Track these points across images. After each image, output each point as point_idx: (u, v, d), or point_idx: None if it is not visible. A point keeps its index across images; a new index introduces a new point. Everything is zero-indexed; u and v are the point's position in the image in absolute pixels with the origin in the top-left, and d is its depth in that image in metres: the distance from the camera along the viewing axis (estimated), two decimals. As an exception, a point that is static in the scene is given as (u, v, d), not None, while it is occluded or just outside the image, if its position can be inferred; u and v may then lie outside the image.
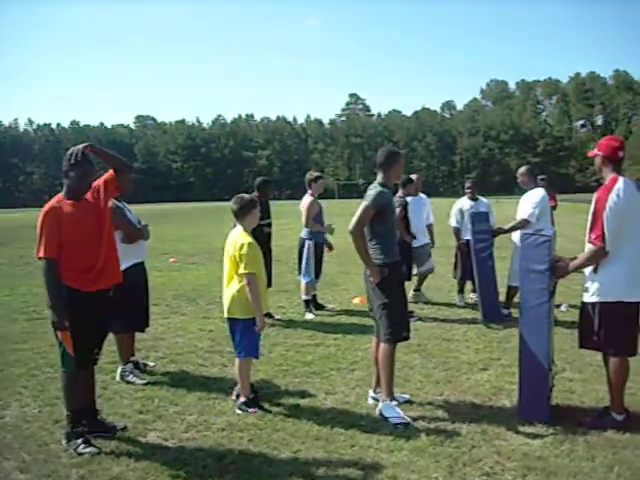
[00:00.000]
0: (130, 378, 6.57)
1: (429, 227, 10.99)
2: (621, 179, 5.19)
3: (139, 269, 6.78)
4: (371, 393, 6.00)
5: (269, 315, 8.96)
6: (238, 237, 5.77)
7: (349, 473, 4.51)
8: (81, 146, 4.93)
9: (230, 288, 5.81)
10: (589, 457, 4.71)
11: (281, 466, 4.62)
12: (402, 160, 5.99)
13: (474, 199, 10.77)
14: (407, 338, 5.88)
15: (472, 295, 10.94)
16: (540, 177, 9.79)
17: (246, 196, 6.07)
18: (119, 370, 6.67)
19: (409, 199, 10.24)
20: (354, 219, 5.62)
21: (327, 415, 5.61)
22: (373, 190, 5.71)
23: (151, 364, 7.12)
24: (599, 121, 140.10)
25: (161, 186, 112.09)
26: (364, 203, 5.63)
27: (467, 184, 11.17)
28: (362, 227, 5.63)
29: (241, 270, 5.65)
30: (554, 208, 11.33)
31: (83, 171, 4.92)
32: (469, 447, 4.92)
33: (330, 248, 10.39)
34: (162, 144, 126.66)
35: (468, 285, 10.94)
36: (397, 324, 5.69)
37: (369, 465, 4.63)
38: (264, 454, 4.83)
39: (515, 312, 9.41)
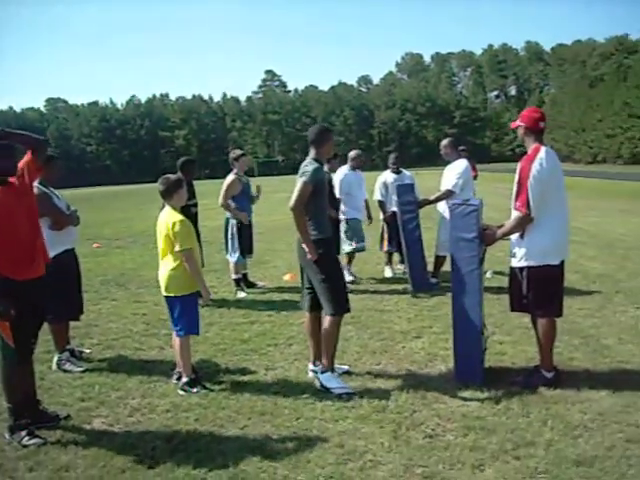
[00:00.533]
0: (67, 366, 6.49)
1: (365, 202, 11.14)
2: (543, 149, 5.42)
3: (70, 256, 6.65)
4: (310, 366, 6.09)
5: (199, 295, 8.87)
6: (169, 217, 5.79)
7: (297, 445, 4.62)
8: None
9: (166, 267, 5.82)
10: (524, 414, 4.96)
11: (230, 443, 4.68)
12: (333, 137, 6.08)
13: (397, 172, 10.97)
14: (349, 310, 5.97)
15: (400, 266, 11.19)
16: (460, 148, 10.03)
17: (172, 176, 6.06)
18: (55, 359, 6.57)
19: (351, 174, 10.50)
20: (294, 196, 5.67)
21: (270, 390, 5.70)
22: (310, 166, 5.73)
23: (87, 351, 7.04)
24: (512, 92, 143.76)
25: (76, 170, 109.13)
26: (302, 180, 5.67)
27: (392, 158, 11.35)
28: (303, 203, 5.68)
29: (177, 248, 5.67)
30: (475, 178, 11.62)
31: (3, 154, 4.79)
32: (410, 412, 5.10)
33: (245, 220, 10.00)
34: (75, 127, 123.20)
35: (395, 257, 11.19)
36: (339, 297, 5.79)
37: (316, 436, 4.75)
38: (211, 432, 4.89)
39: (443, 281, 9.73)
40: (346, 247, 10.61)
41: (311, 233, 5.73)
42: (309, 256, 5.69)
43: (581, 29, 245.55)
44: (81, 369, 6.45)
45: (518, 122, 5.63)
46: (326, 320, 5.81)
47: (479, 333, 5.73)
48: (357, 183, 10.67)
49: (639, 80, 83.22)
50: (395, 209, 10.27)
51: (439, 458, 4.33)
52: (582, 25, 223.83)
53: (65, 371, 6.45)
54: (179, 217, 5.74)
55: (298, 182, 5.72)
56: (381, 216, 11.12)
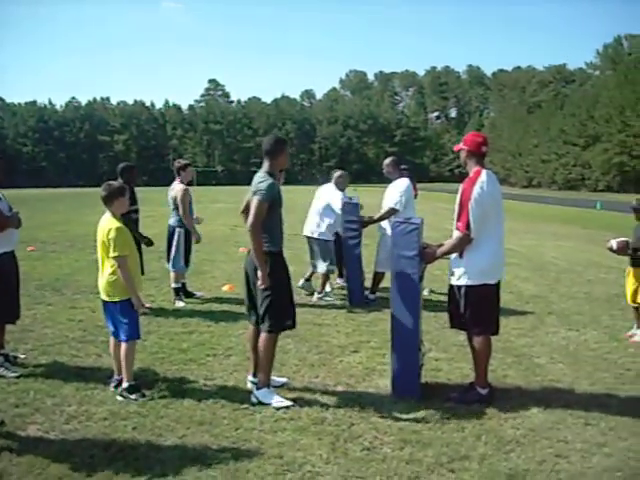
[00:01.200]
0: (1, 371, 6.34)
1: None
2: (484, 172, 5.60)
3: (9, 258, 6.54)
4: (250, 377, 6.10)
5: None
6: (106, 223, 5.79)
7: (235, 454, 4.63)
8: None
9: (105, 273, 5.81)
10: (459, 428, 5.10)
11: (168, 451, 4.67)
12: (288, 148, 6.01)
13: (342, 189, 10.99)
14: (292, 327, 5.96)
15: (338, 280, 11.32)
16: (402, 167, 10.19)
17: (115, 183, 6.06)
18: None
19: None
20: (252, 216, 5.51)
21: (208, 400, 5.69)
22: (264, 183, 5.60)
23: (22, 356, 6.90)
24: (453, 113, 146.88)
25: (11, 170, 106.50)
26: (257, 198, 5.53)
27: (339, 173, 11.07)
28: (260, 222, 5.54)
29: (111, 254, 5.66)
30: (415, 197, 11.78)
31: None
32: (348, 424, 5.18)
33: (197, 240, 10.14)
34: (11, 126, 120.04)
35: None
36: (281, 314, 5.76)
37: (254, 447, 4.78)
38: (150, 441, 4.86)
39: (380, 297, 9.88)
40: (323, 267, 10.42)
41: (263, 245, 5.64)
42: (260, 282, 5.60)
43: (522, 56, 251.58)
44: (16, 374, 6.32)
45: (461, 145, 5.79)
46: (262, 336, 5.78)
47: (417, 349, 5.85)
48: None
49: (575, 108, 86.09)
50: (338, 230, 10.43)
51: (376, 470, 4.41)
52: (522, 52, 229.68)
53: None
54: (116, 224, 5.73)
55: (253, 200, 5.58)
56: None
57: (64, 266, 13.77)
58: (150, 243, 9.55)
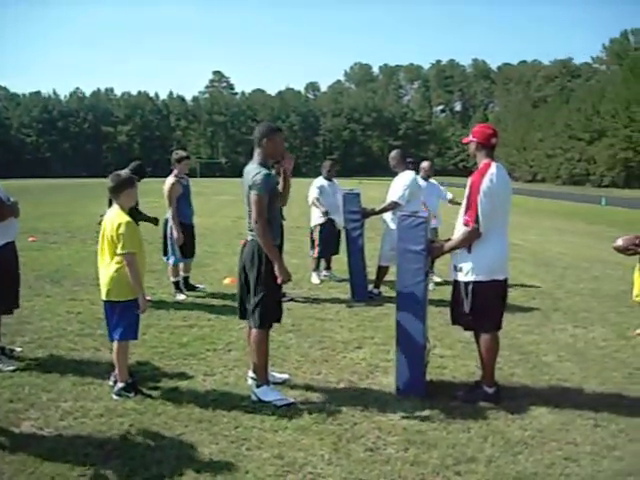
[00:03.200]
0: None
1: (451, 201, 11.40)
2: (494, 164, 5.43)
3: (10, 249, 6.43)
4: (250, 373, 5.93)
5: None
6: (115, 217, 5.55)
7: (235, 454, 4.50)
8: None
9: (108, 270, 5.58)
10: (465, 429, 4.95)
11: (166, 450, 4.54)
12: (281, 136, 5.66)
13: (329, 179, 11.12)
14: (278, 321, 5.76)
15: (325, 272, 11.43)
16: (409, 160, 10.05)
17: (123, 174, 5.86)
18: None
19: (423, 184, 10.62)
20: (255, 213, 5.28)
21: (208, 397, 5.56)
22: (259, 176, 5.30)
23: (18, 349, 6.76)
24: (458, 107, 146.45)
25: (14, 160, 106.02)
26: (255, 193, 5.27)
27: (327, 164, 11.45)
28: (265, 216, 5.31)
29: (119, 250, 5.45)
30: (428, 177, 11.59)
31: None
32: (351, 424, 5.04)
33: (178, 240, 9.67)
34: (15, 116, 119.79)
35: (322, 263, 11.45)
36: (271, 310, 5.57)
37: (254, 445, 4.64)
38: (147, 439, 4.74)
39: (384, 291, 9.74)
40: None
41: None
42: (279, 279, 5.39)
43: (527, 50, 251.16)
44: (12, 368, 6.18)
45: (471, 137, 5.62)
46: (253, 333, 5.61)
47: (422, 346, 5.70)
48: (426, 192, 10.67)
49: (581, 103, 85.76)
50: (332, 217, 10.64)
51: (380, 472, 4.28)
52: (528, 46, 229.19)
53: None
54: (125, 218, 5.52)
55: (252, 196, 5.32)
56: (312, 222, 11.17)
57: (64, 257, 13.64)
58: (156, 222, 9.46)
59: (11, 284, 6.50)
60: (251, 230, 5.50)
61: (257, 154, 5.54)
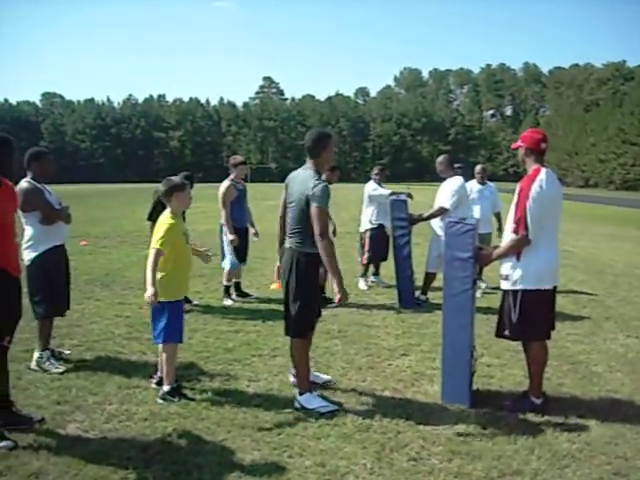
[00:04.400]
0: (47, 366, 6.32)
1: (497, 215, 11.13)
2: (544, 170, 5.32)
3: (60, 252, 6.59)
4: (291, 378, 5.93)
5: (187, 300, 8.66)
6: (163, 218, 5.71)
7: (277, 461, 4.47)
8: None
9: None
10: (511, 441, 4.83)
11: (208, 456, 4.53)
12: (333, 143, 5.55)
13: (379, 184, 11.05)
14: (312, 328, 5.75)
15: (373, 278, 11.37)
16: (457, 165, 9.94)
17: (175, 178, 5.97)
18: (36, 356, 6.40)
19: (478, 187, 10.85)
20: (319, 226, 5.17)
21: (251, 402, 5.55)
22: (319, 187, 5.19)
23: (67, 352, 6.86)
24: (508, 112, 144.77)
25: (69, 166, 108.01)
26: (316, 206, 5.16)
27: (376, 170, 11.46)
28: (328, 230, 5.27)
29: (152, 245, 5.55)
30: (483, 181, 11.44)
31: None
32: (395, 433, 4.97)
33: (255, 235, 10.23)
34: (70, 123, 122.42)
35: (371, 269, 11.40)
36: (308, 319, 5.57)
37: (297, 453, 4.61)
38: (189, 444, 4.74)
39: (432, 298, 9.62)
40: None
41: (309, 249, 5.38)
42: (337, 298, 5.27)
43: (579, 53, 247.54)
44: (60, 370, 6.28)
45: (519, 143, 5.52)
46: (292, 342, 5.63)
47: (469, 355, 5.60)
48: (478, 196, 10.88)
49: (634, 107, 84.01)
50: (381, 222, 10.65)
51: (423, 483, 4.20)
52: (580, 49, 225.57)
53: (45, 370, 6.28)
54: (170, 220, 5.63)
55: (313, 208, 5.19)
56: (362, 227, 11.18)
57: (114, 261, 13.85)
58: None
59: (62, 287, 6.65)
60: (292, 236, 5.49)
61: (310, 162, 5.47)
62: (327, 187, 5.29)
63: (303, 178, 5.41)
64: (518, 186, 5.36)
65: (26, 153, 6.46)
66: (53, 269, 6.41)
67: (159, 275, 5.57)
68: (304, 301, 5.44)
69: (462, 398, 5.54)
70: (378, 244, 10.82)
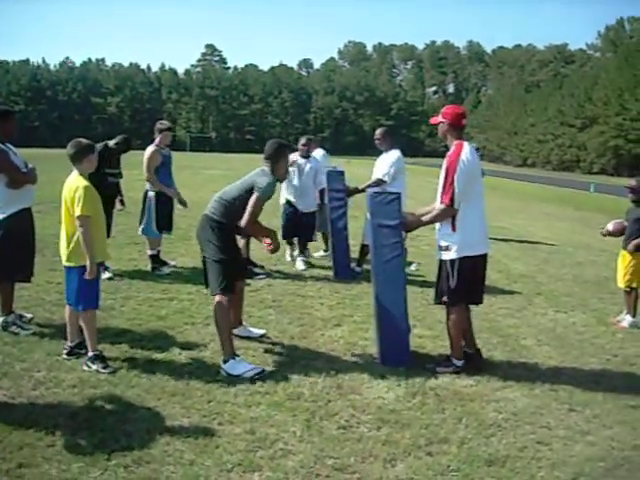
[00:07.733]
0: (14, 329, 6.24)
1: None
2: (466, 144, 5.58)
3: (26, 215, 6.44)
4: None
5: (104, 266, 8.33)
6: (73, 181, 5.52)
7: (206, 429, 4.46)
8: None
9: (66, 234, 5.56)
10: (439, 410, 4.93)
11: (137, 423, 4.49)
12: (288, 153, 6.12)
13: (306, 156, 10.57)
14: (230, 291, 5.82)
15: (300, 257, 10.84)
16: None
17: (83, 140, 5.75)
18: (0, 321, 6.31)
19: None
20: (248, 214, 5.59)
21: (182, 370, 5.51)
22: (265, 179, 5.69)
23: (28, 316, 6.74)
24: (450, 89, 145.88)
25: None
26: (257, 195, 5.60)
27: (303, 140, 10.77)
28: (254, 220, 5.69)
29: (75, 212, 5.38)
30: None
31: None
32: (325, 401, 5.00)
33: (183, 205, 9.83)
34: (4, 85, 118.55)
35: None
36: (223, 277, 5.66)
37: (227, 420, 4.61)
38: (118, 411, 4.69)
39: (367, 270, 9.67)
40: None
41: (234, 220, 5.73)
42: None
43: (522, 34, 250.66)
44: (30, 332, 6.25)
45: (440, 118, 5.74)
46: (214, 302, 5.74)
47: (404, 315, 5.82)
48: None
49: (574, 89, 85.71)
50: (287, 197, 10.52)
51: (351, 450, 4.25)
52: (523, 30, 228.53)
53: (14, 334, 6.19)
54: (84, 183, 5.46)
55: (253, 196, 5.62)
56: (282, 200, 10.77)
57: (48, 227, 13.42)
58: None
59: (29, 251, 6.53)
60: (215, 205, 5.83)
61: (266, 167, 5.86)
62: (273, 185, 5.71)
63: (260, 171, 5.82)
64: (445, 161, 5.57)
65: None
66: (20, 232, 6.27)
67: (74, 239, 5.45)
68: (221, 261, 5.66)
69: (402, 359, 5.76)
70: (285, 221, 10.54)
